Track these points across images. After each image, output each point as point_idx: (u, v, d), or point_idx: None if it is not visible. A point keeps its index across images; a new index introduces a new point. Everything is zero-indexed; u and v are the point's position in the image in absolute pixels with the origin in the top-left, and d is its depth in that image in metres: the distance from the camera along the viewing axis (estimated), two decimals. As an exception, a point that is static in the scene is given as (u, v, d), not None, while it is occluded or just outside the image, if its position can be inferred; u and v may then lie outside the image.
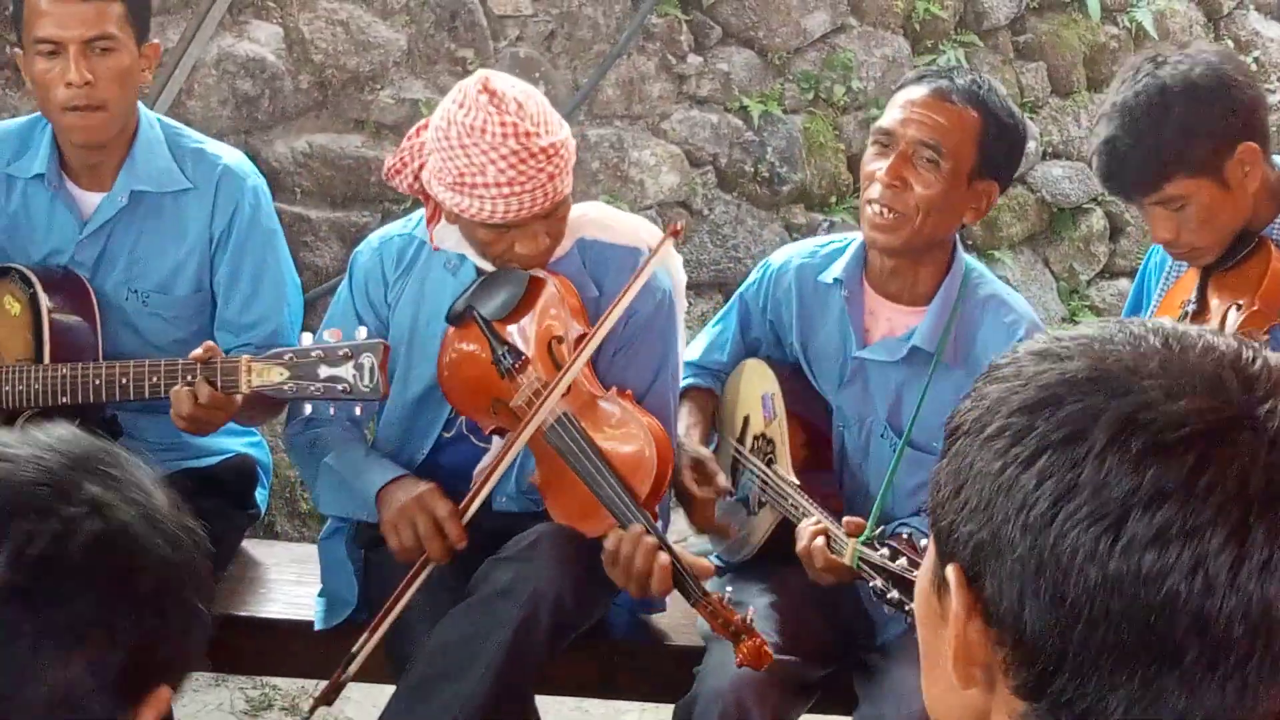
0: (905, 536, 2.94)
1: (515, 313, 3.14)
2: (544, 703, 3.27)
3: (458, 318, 3.17)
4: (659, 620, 3.34)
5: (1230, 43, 7.59)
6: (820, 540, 3.00)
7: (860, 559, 2.92)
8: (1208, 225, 3.09)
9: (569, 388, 3.08)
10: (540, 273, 3.17)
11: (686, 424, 3.39)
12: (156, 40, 3.35)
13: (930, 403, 3.13)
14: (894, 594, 2.85)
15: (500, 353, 3.11)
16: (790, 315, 3.36)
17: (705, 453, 3.29)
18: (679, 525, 3.44)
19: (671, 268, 3.34)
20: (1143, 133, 3.04)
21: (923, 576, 1.27)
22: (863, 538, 2.95)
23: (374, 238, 3.38)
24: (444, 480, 3.17)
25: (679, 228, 3.23)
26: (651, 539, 2.92)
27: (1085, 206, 7.22)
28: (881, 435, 3.23)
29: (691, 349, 3.51)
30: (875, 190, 3.11)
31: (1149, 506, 1.11)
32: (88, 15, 3.18)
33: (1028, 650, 1.17)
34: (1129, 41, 7.26)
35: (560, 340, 3.10)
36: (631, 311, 3.20)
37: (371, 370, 2.97)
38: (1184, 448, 1.12)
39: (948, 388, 3.13)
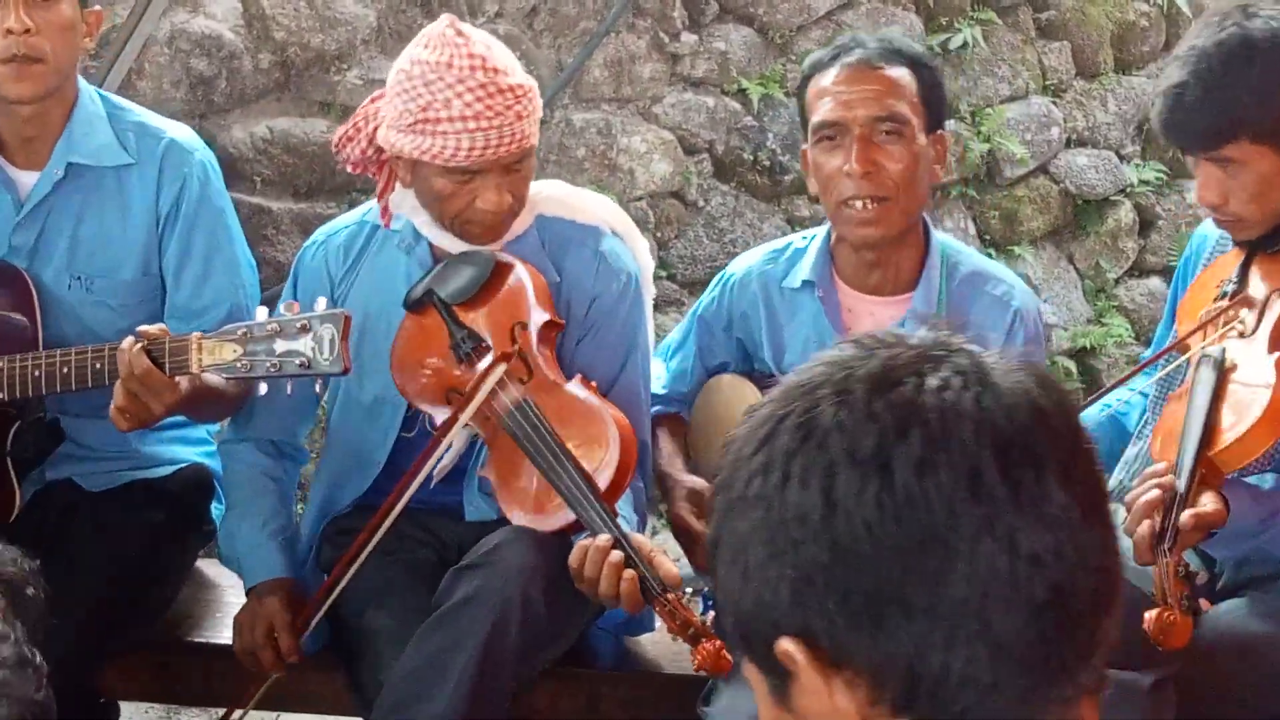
0: None
1: (478, 297, 3.19)
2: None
3: (416, 303, 3.21)
4: (648, 648, 3.36)
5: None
6: None
7: None
8: (1260, 197, 3.08)
9: (529, 373, 3.13)
10: (506, 257, 3.21)
11: (668, 452, 3.44)
12: (99, 8, 3.36)
13: None
14: None
15: (459, 338, 3.16)
16: (759, 329, 3.40)
17: (702, 484, 3.32)
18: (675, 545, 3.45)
19: (637, 251, 3.39)
20: (1216, 84, 3.01)
21: (763, 712, 1.34)
22: None
23: (319, 233, 3.44)
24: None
25: (511, 353, 3.23)
26: (617, 553, 2.94)
27: (1113, 199, 7.25)
28: None
29: (653, 382, 3.53)
30: (848, 186, 3.15)
31: (900, 438, 1.24)
32: None
33: (882, 663, 1.24)
34: (1160, 20, 7.30)
35: (524, 327, 3.14)
36: (595, 295, 3.26)
37: (332, 342, 2.97)
38: (899, 383, 1.27)
39: None
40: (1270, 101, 3.01)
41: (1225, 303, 3.07)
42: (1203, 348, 3.01)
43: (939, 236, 3.32)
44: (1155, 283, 7.29)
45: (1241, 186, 3.06)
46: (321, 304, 3.02)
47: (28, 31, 3.21)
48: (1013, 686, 1.23)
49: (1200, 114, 3.04)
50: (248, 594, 3.27)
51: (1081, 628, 1.25)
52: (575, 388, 3.17)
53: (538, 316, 3.15)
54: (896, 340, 1.32)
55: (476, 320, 3.18)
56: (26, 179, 3.39)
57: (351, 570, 3.15)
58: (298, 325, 2.99)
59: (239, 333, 3.03)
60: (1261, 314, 3.00)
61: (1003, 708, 1.24)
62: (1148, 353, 3.50)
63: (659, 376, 3.53)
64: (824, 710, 1.26)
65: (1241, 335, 2.99)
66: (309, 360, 2.99)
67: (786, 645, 1.26)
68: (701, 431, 3.49)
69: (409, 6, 5.75)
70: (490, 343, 3.16)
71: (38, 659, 1.27)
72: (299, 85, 5.63)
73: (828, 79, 3.20)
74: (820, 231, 3.34)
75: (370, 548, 3.16)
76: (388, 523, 3.15)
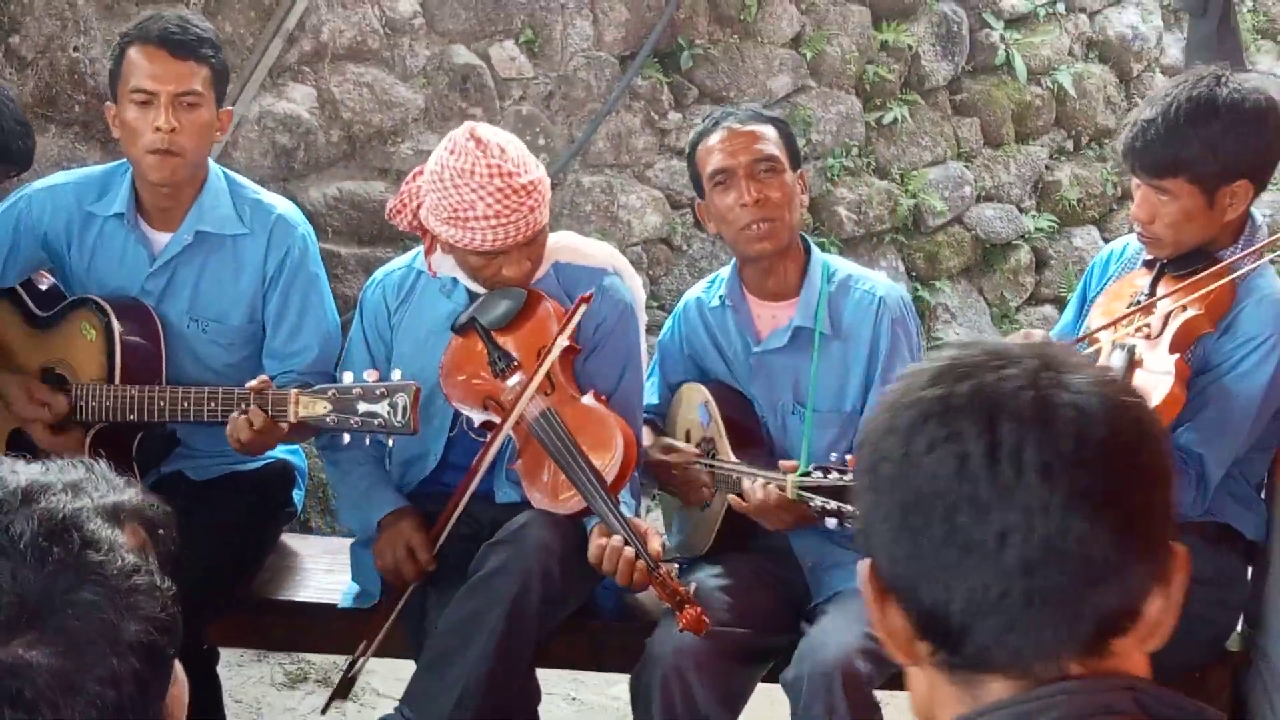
0: (838, 460, 3.04)
1: (512, 325, 3.21)
2: (544, 675, 3.30)
3: (462, 327, 3.24)
4: (642, 601, 3.37)
5: (1140, 100, 7.62)
6: (770, 486, 3.10)
7: (800, 488, 3.03)
8: (1179, 227, 3.06)
9: (551, 387, 3.15)
10: (536, 291, 3.23)
11: (650, 440, 3.46)
12: (231, 108, 3.39)
13: (822, 369, 3.29)
14: (832, 505, 2.97)
15: (495, 356, 3.18)
16: (703, 344, 3.45)
17: (669, 440, 3.41)
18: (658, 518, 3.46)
19: (633, 286, 3.42)
20: (1176, 128, 3.00)
21: (871, 604, 1.31)
22: (799, 471, 3.08)
23: (377, 274, 3.46)
24: (452, 471, 3.26)
25: (589, 295, 3.23)
26: (630, 551, 2.98)
27: (1014, 243, 7.24)
28: (792, 412, 3.32)
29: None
30: (744, 215, 3.22)
31: (925, 416, 1.24)
32: (182, 73, 3.24)
33: (899, 589, 1.24)
34: (1051, 100, 7.30)
35: (546, 350, 3.15)
36: (599, 321, 3.27)
37: (404, 409, 3.00)
38: (964, 375, 1.25)
39: (832, 356, 3.28)
40: (1214, 155, 3.01)
41: (1136, 309, 3.08)
42: (1113, 341, 3.02)
43: (818, 253, 3.38)
44: (1048, 309, 7.29)
45: (1168, 213, 3.06)
46: (397, 375, 3.06)
47: (174, 130, 3.23)
48: (989, 633, 1.21)
49: (1157, 147, 3.04)
50: (379, 528, 3.24)
51: (1056, 599, 1.20)
52: (589, 400, 3.19)
53: (560, 342, 3.16)
54: (993, 348, 1.29)
55: (510, 343, 3.20)
56: (159, 238, 3.41)
57: (452, 520, 3.18)
58: (378, 392, 3.02)
59: (330, 393, 3.06)
60: (1166, 321, 3.00)
61: (990, 652, 1.22)
62: (1055, 333, 3.50)
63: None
64: (879, 619, 1.28)
65: (1148, 337, 3.00)
66: (385, 421, 3.02)
67: (861, 566, 1.29)
68: (671, 423, 3.52)
69: (450, 92, 5.76)
70: (520, 361, 3.18)
71: (165, 583, 1.27)
72: (362, 155, 5.64)
73: (713, 140, 3.28)
74: (731, 263, 3.42)
75: (465, 502, 3.18)
76: (471, 488, 3.18)
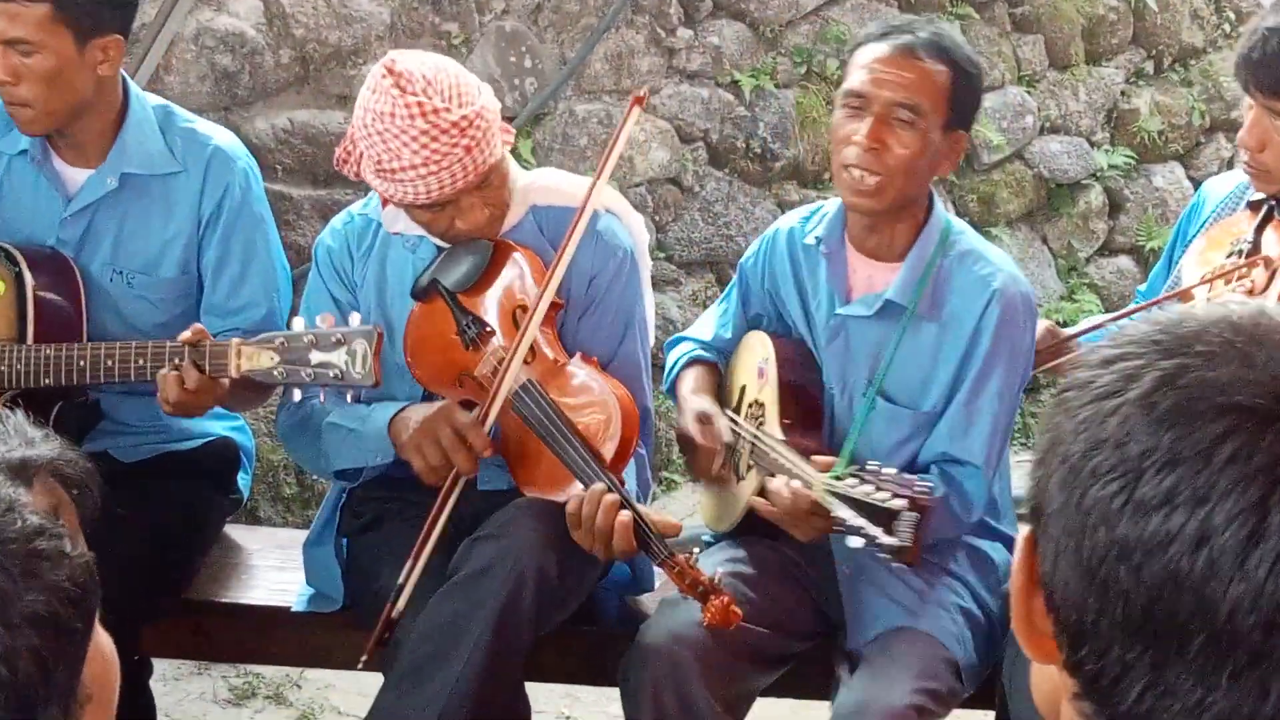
0: (877, 469, 2.96)
1: (479, 284, 3.18)
2: (535, 690, 3.30)
3: (422, 292, 3.21)
4: (648, 607, 3.37)
5: (1232, 15, 7.61)
6: (795, 483, 3.03)
7: (829, 491, 2.94)
8: None
9: (532, 354, 3.12)
10: (504, 243, 3.21)
11: (691, 387, 3.42)
12: (117, 35, 3.29)
13: (904, 355, 3.22)
14: (858, 521, 2.86)
15: (464, 323, 3.16)
16: (788, 285, 3.39)
17: (710, 407, 3.33)
18: (682, 503, 3.47)
19: (632, 226, 3.38)
20: None
21: (1017, 548, 1.24)
22: (831, 474, 2.97)
23: (336, 220, 3.42)
24: None
25: (644, 94, 3.20)
26: (612, 496, 2.94)
27: (1084, 182, 7.24)
28: (863, 394, 3.25)
29: (702, 329, 3.56)
30: (853, 154, 3.15)
31: (1162, 469, 1.08)
32: (8, 14, 3.19)
33: (1060, 617, 1.15)
34: (1128, 14, 7.29)
35: (524, 309, 3.13)
36: (593, 273, 3.25)
37: (364, 357, 2.98)
38: (1213, 415, 1.08)
39: (923, 341, 3.21)
40: None
41: (1238, 259, 3.07)
42: (1209, 299, 3.01)
43: (945, 215, 3.31)
44: (1124, 261, 7.29)
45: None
46: (355, 319, 3.03)
47: (8, 82, 3.22)
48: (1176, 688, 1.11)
49: (1279, 61, 3.03)
50: (394, 423, 3.16)
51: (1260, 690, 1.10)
52: (576, 366, 3.18)
53: (542, 304, 3.11)
54: (1263, 365, 1.11)
55: (480, 306, 3.18)
56: (76, 175, 3.39)
57: (421, 559, 3.10)
58: (333, 339, 3.00)
59: (277, 341, 3.04)
60: (1273, 275, 2.99)
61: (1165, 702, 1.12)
62: (1144, 290, 3.49)
63: (710, 324, 3.54)
64: (1021, 591, 1.19)
65: (1250, 293, 2.99)
66: (342, 372, 3.00)
67: (1023, 531, 1.19)
68: (727, 374, 3.49)
69: (421, 4, 5.74)
70: (495, 327, 3.16)
71: (78, 550, 1.27)
72: (317, 79, 5.63)
73: (872, 53, 3.18)
74: (837, 202, 3.34)
75: (438, 528, 3.12)
76: (449, 506, 3.11)
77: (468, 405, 3.16)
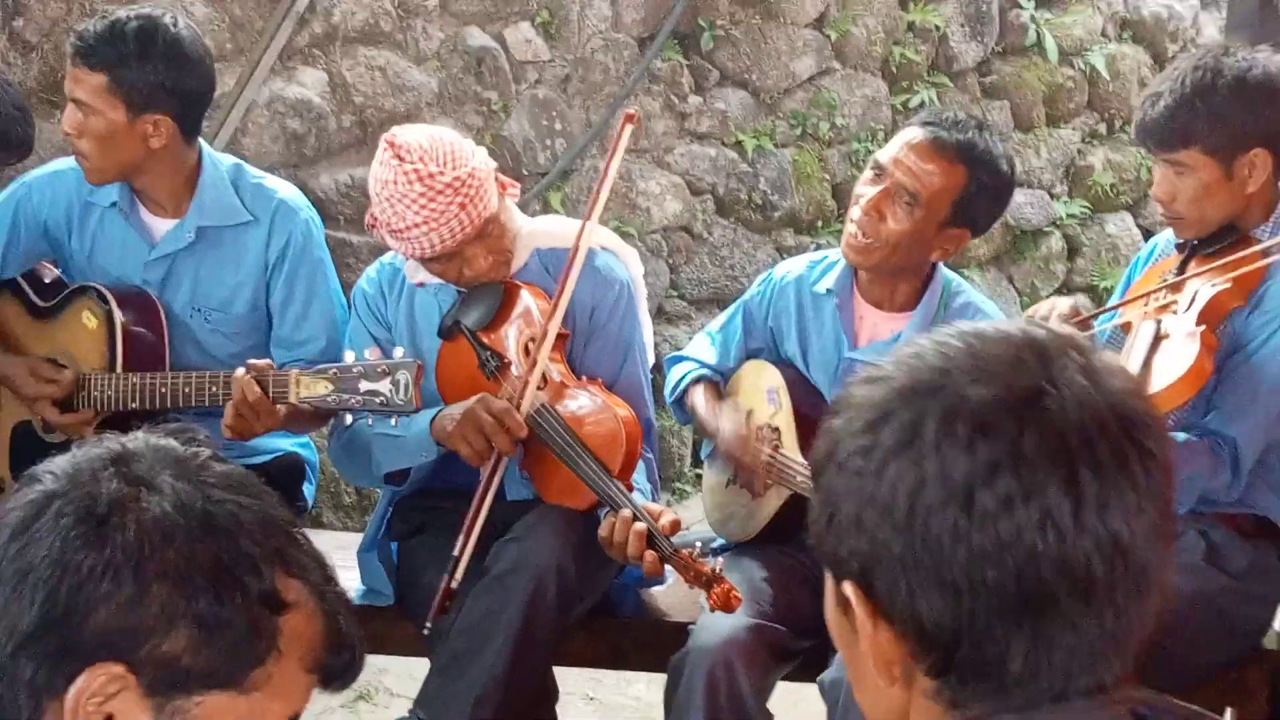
0: None
1: (495, 322, 3.18)
2: (563, 674, 3.30)
3: (447, 331, 3.20)
4: (660, 600, 3.36)
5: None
6: None
7: None
8: (1199, 202, 3.08)
9: (544, 381, 3.11)
10: (513, 283, 3.20)
11: (708, 407, 3.38)
12: (163, 117, 3.25)
13: None
14: None
15: (485, 357, 3.14)
16: (790, 323, 3.37)
17: (744, 429, 3.25)
18: (692, 512, 3.45)
19: (627, 260, 3.36)
20: (1184, 99, 3.02)
21: (828, 603, 1.27)
22: None
23: (370, 269, 3.42)
24: (458, 475, 3.18)
25: (634, 113, 3.20)
26: (640, 525, 2.94)
27: (1045, 230, 7.22)
28: None
29: (702, 352, 3.52)
30: (856, 213, 3.14)
31: (989, 480, 1.14)
32: (77, 78, 3.22)
33: (928, 635, 1.18)
34: (1083, 83, 7.27)
35: (535, 340, 3.13)
36: (593, 305, 3.23)
37: (406, 386, 2.98)
38: (1002, 421, 1.15)
39: None
40: (1223, 124, 3.01)
41: (1164, 292, 3.08)
42: (1142, 315, 3.03)
43: (947, 274, 3.27)
44: (1080, 299, 7.27)
45: (1187, 188, 3.06)
46: (399, 353, 3.03)
47: (70, 134, 3.24)
48: (1044, 682, 1.17)
49: (1165, 119, 3.04)
50: (435, 424, 3.12)
51: (1115, 639, 1.17)
52: (585, 388, 3.17)
53: (549, 335, 3.10)
54: (1016, 352, 1.19)
55: (497, 341, 3.17)
56: (159, 225, 3.40)
57: (460, 567, 3.10)
58: (379, 369, 3.00)
59: (331, 372, 3.04)
60: (1192, 300, 3.00)
61: (1034, 694, 1.18)
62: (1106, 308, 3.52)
63: (706, 348, 3.50)
64: (869, 644, 1.21)
65: (1174, 313, 3.00)
66: (387, 399, 3.00)
67: (848, 589, 1.21)
68: (729, 395, 3.46)
69: (465, 76, 5.76)
70: (512, 358, 3.15)
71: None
72: (375, 141, 5.58)
73: (909, 135, 3.15)
74: None
75: (475, 533, 3.10)
76: (484, 511, 3.10)
77: None
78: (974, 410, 1.16)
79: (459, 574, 3.05)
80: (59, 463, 1.33)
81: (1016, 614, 1.15)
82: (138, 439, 1.36)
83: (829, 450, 1.23)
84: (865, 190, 3.14)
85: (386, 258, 3.39)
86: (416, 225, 3.03)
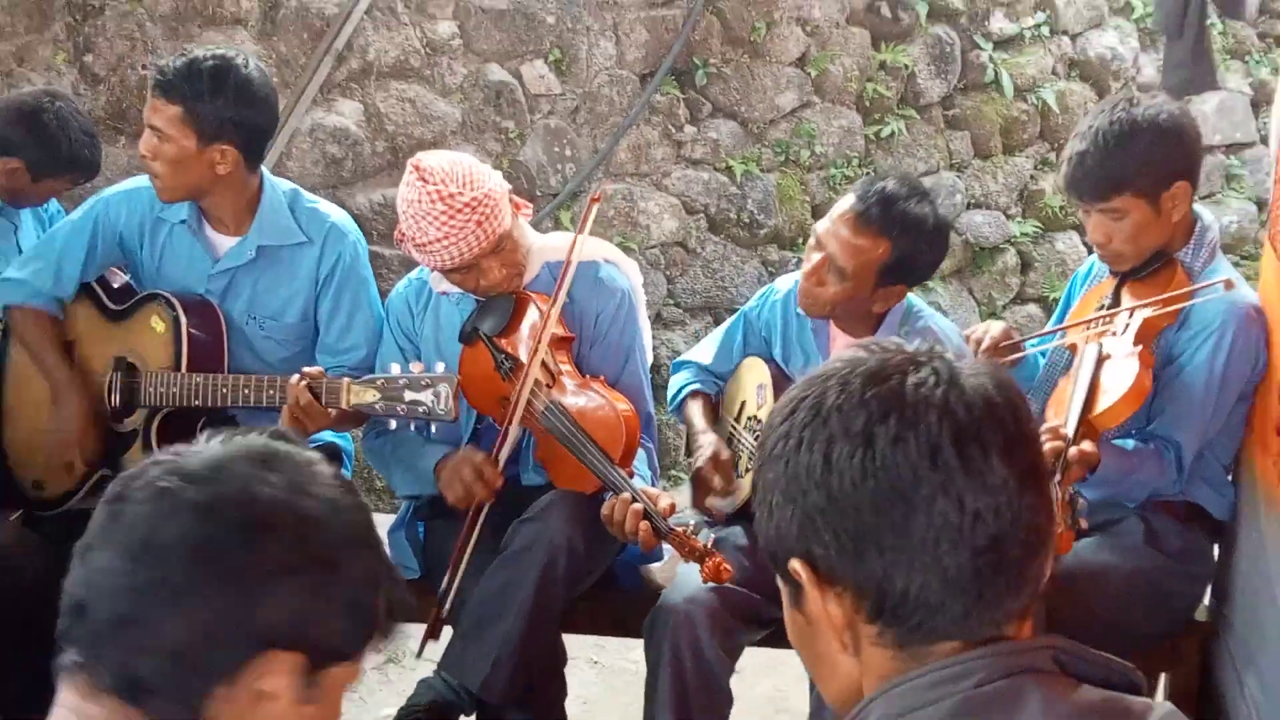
0: None
1: (508, 328, 3.19)
2: (570, 640, 3.30)
3: (467, 337, 3.22)
4: (658, 575, 3.37)
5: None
6: None
7: None
8: (1135, 239, 3.08)
9: (553, 379, 3.12)
10: (524, 293, 3.21)
11: (705, 423, 3.42)
12: (229, 147, 3.26)
13: None
14: None
15: (499, 359, 3.16)
16: (777, 335, 3.41)
17: (728, 454, 3.32)
18: (686, 496, 3.45)
19: (628, 271, 3.38)
20: (1109, 153, 3.01)
21: (786, 611, 1.33)
22: None
23: (399, 285, 3.44)
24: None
25: (599, 195, 3.23)
26: (638, 506, 2.95)
27: (1001, 246, 7.22)
28: None
29: (703, 355, 3.54)
30: (801, 277, 3.18)
31: (882, 420, 1.23)
32: (155, 107, 3.23)
33: (861, 582, 1.24)
34: (1036, 115, 7.28)
35: (534, 348, 3.14)
36: (598, 312, 3.25)
37: (446, 397, 3.00)
38: (889, 376, 1.26)
39: None
40: (1147, 167, 3.02)
41: (1101, 317, 3.09)
42: (1085, 340, 3.03)
43: (911, 298, 3.27)
44: (1032, 308, 7.28)
45: (1123, 229, 3.06)
46: (440, 367, 3.05)
47: (146, 157, 3.26)
48: (956, 608, 1.22)
49: (1096, 174, 3.04)
50: (436, 473, 3.18)
51: (1013, 568, 1.23)
52: (589, 386, 3.18)
53: (554, 334, 3.14)
54: (895, 347, 1.31)
55: (510, 345, 3.18)
56: (222, 241, 3.42)
57: (465, 557, 3.12)
58: (423, 382, 3.02)
59: (379, 382, 3.06)
60: (1129, 322, 3.01)
61: (948, 623, 1.23)
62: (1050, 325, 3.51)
63: (708, 350, 3.52)
64: (820, 613, 1.26)
65: (1114, 335, 3.00)
66: (429, 409, 3.01)
67: (795, 564, 1.27)
68: (730, 389, 3.49)
69: (485, 107, 5.77)
70: (523, 360, 3.16)
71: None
72: (404, 164, 5.61)
73: (843, 206, 3.14)
74: None
75: (480, 526, 3.12)
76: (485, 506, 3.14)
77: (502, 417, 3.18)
78: (863, 375, 1.26)
79: (447, 606, 3.09)
80: (192, 465, 1.30)
81: (925, 543, 1.21)
82: (258, 441, 1.36)
83: (760, 455, 1.31)
84: (810, 255, 3.16)
85: (414, 273, 3.41)
86: (438, 240, 3.04)
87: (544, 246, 3.30)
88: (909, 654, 1.24)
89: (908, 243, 3.09)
